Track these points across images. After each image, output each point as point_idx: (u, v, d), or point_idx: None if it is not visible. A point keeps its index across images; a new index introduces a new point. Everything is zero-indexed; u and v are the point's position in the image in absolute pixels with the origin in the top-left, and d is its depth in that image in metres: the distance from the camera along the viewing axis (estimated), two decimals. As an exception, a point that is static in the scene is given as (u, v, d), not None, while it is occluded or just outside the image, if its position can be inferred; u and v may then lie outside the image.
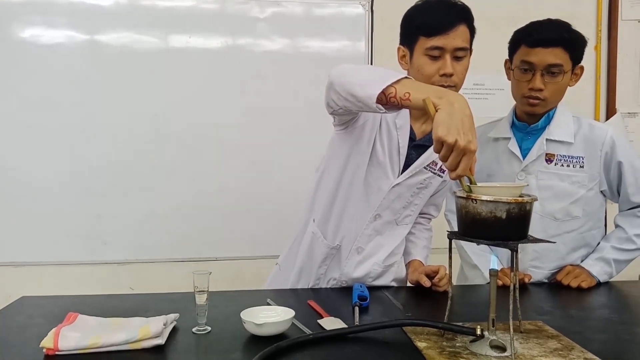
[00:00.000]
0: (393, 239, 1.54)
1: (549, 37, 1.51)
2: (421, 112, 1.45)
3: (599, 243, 1.64)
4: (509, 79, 1.64)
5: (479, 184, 1.03)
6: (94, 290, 2.40)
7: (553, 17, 1.58)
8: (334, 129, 1.49)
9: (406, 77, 1.14)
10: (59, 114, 2.44)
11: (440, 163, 1.49)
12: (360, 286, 1.40)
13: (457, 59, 1.35)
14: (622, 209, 1.64)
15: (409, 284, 1.58)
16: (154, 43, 2.49)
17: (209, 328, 1.13)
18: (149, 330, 1.04)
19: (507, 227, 0.99)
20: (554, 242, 1.13)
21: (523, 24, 1.60)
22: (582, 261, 1.62)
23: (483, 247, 1.61)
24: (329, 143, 1.53)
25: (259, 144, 2.58)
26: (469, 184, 1.04)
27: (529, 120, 1.62)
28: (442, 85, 1.33)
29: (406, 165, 1.47)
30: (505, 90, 2.84)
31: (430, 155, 1.46)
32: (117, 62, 2.47)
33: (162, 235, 2.53)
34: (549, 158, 1.59)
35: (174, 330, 1.13)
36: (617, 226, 1.64)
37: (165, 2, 2.48)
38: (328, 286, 1.53)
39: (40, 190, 2.45)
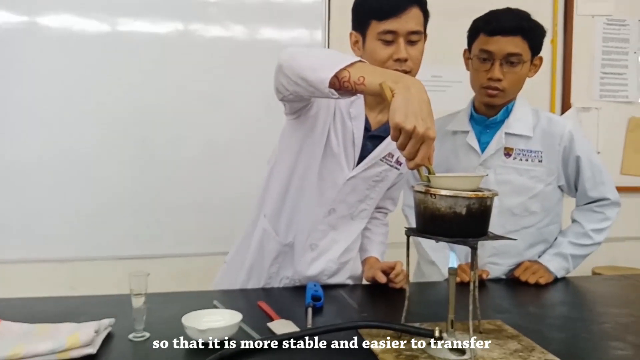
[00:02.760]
0: (348, 234, 1.48)
1: (508, 26, 1.48)
2: (376, 101, 1.40)
3: (556, 238, 1.62)
4: (468, 69, 1.60)
5: (437, 174, 0.98)
6: (33, 290, 2.30)
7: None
8: (286, 117, 1.41)
9: (361, 61, 1.07)
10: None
11: (396, 155, 1.43)
12: (315, 285, 1.33)
13: (411, 43, 1.30)
14: (579, 203, 1.63)
15: (365, 282, 1.52)
16: (98, 27, 2.33)
17: (147, 334, 1.04)
18: (77, 338, 0.94)
19: (467, 223, 0.93)
20: (515, 240, 1.09)
21: (479, 16, 1.56)
22: (539, 257, 1.60)
23: (441, 243, 1.57)
24: (280, 133, 1.45)
25: (210, 135, 2.46)
26: (427, 174, 0.99)
27: (488, 112, 1.58)
28: (397, 71, 1.27)
29: (361, 157, 1.41)
30: (463, 83, 2.81)
31: (386, 146, 1.41)
32: (56, 48, 2.30)
33: (106, 230, 2.38)
34: (508, 152, 1.55)
35: (109, 337, 1.03)
36: (574, 221, 1.63)
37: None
38: (280, 285, 1.46)
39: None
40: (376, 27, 1.29)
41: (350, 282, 1.53)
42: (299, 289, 1.38)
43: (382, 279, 1.39)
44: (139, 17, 2.36)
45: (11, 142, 2.28)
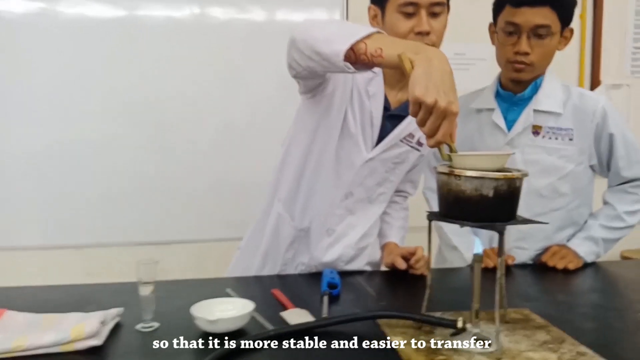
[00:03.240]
0: (366, 219, 1.41)
1: None
2: (396, 79, 1.32)
3: (586, 221, 1.53)
4: (493, 44, 1.51)
5: (460, 153, 0.91)
6: (49, 278, 2.29)
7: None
8: (301, 97, 1.35)
9: (378, 32, 1.00)
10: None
11: (417, 136, 1.36)
12: (331, 272, 1.27)
13: (433, 15, 1.22)
14: (611, 184, 1.53)
15: (383, 268, 1.46)
16: (111, 12, 2.27)
17: (156, 325, 1.00)
18: (82, 329, 0.90)
19: (494, 206, 0.86)
20: (547, 223, 1.01)
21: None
22: (568, 240, 1.51)
23: (465, 227, 1.50)
24: (295, 114, 1.39)
25: (226, 119, 2.40)
26: (449, 152, 0.91)
27: (515, 89, 1.49)
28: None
29: (380, 138, 1.34)
30: (487, 61, 2.73)
31: (406, 126, 1.34)
32: (70, 33, 2.25)
33: (122, 217, 2.36)
34: (536, 130, 1.46)
35: (117, 328, 0.99)
36: (605, 203, 1.54)
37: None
38: (296, 272, 1.40)
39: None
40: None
41: (368, 268, 1.47)
42: (315, 276, 1.32)
43: (402, 265, 1.33)
44: (154, 1, 2.30)
45: (26, 129, 2.26)
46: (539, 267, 1.47)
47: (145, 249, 2.32)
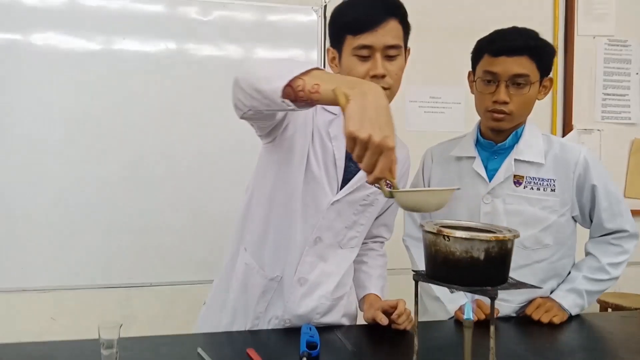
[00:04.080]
0: (339, 265, 1.35)
1: (514, 45, 1.38)
2: None
3: (569, 272, 1.51)
4: (472, 93, 1.50)
5: (401, 189, 0.89)
6: (11, 322, 2.16)
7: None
8: (261, 142, 1.31)
9: (317, 69, 0.97)
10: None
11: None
12: (309, 329, 1.20)
13: (389, 58, 1.21)
14: (593, 235, 1.51)
15: (361, 320, 1.40)
16: (83, 45, 2.21)
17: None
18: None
19: (486, 269, 0.82)
20: (541, 288, 0.97)
21: (479, 37, 1.47)
22: (552, 292, 1.48)
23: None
24: (257, 160, 1.35)
25: (200, 157, 2.33)
26: (390, 189, 0.89)
27: (496, 138, 1.48)
28: None
29: (346, 180, 1.30)
30: (462, 104, 2.79)
31: None
32: (42, 63, 2.18)
33: (89, 257, 2.24)
34: (518, 180, 1.44)
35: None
36: (588, 254, 1.51)
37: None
38: (270, 327, 1.32)
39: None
40: (351, 42, 1.20)
41: (345, 321, 1.40)
42: (291, 332, 1.25)
43: (384, 320, 1.27)
44: (127, 35, 2.25)
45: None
46: (523, 321, 1.42)
47: (113, 292, 2.22)
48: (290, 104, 0.97)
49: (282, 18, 2.41)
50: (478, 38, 1.47)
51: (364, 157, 0.85)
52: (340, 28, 1.23)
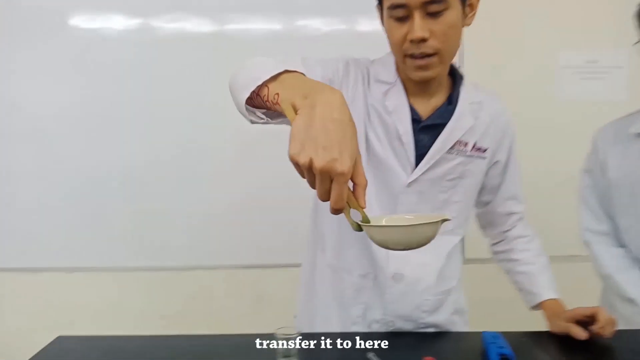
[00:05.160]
0: (436, 254, 1.16)
1: None
2: (419, 87, 1.10)
3: None
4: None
5: (372, 224, 0.71)
6: (153, 298, 2.20)
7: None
8: None
9: (288, 72, 0.78)
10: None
11: (473, 141, 1.12)
12: (494, 337, 1.02)
13: (432, 15, 0.97)
14: None
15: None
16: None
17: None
18: None
19: None
20: None
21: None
22: None
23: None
24: None
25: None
26: (358, 220, 0.71)
27: None
28: (415, 56, 1.00)
29: (421, 156, 1.10)
30: (624, 69, 2.41)
31: (449, 135, 1.09)
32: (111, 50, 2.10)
33: (222, 238, 2.19)
34: None
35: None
36: None
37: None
38: (371, 330, 1.16)
39: (86, 190, 2.16)
40: (387, 1, 1.00)
41: (457, 319, 1.22)
42: (402, 337, 1.08)
43: (583, 335, 1.06)
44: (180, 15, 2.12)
45: (130, 144, 2.15)
46: None
47: (248, 273, 2.20)
48: (257, 118, 0.83)
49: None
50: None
51: (316, 184, 0.65)
52: None
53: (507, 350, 0.97)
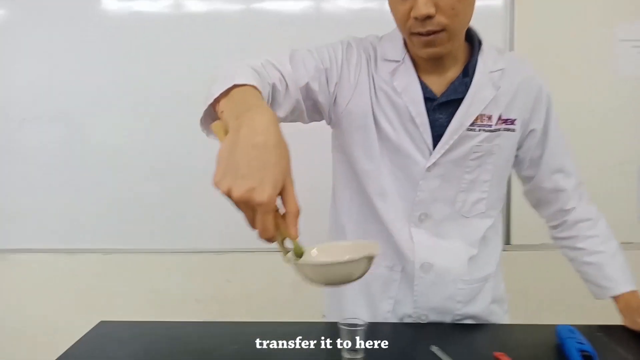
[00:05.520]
0: (467, 239, 1.06)
1: None
2: (430, 63, 0.99)
3: None
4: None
5: (303, 260, 0.66)
6: (187, 281, 2.15)
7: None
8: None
9: (237, 86, 0.73)
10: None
11: (497, 112, 1.01)
12: (571, 331, 0.93)
13: None
14: None
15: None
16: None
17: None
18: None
19: None
20: None
21: None
22: None
23: None
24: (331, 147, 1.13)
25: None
26: (290, 251, 0.66)
27: None
28: (421, 34, 0.91)
29: (438, 137, 0.99)
30: None
31: (468, 109, 0.98)
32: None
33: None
34: None
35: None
36: None
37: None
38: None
39: (123, 172, 2.11)
40: None
41: (496, 308, 1.12)
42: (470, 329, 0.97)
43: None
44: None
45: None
46: None
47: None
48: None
49: None
50: None
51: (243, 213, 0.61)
52: None
53: (588, 346, 0.87)
